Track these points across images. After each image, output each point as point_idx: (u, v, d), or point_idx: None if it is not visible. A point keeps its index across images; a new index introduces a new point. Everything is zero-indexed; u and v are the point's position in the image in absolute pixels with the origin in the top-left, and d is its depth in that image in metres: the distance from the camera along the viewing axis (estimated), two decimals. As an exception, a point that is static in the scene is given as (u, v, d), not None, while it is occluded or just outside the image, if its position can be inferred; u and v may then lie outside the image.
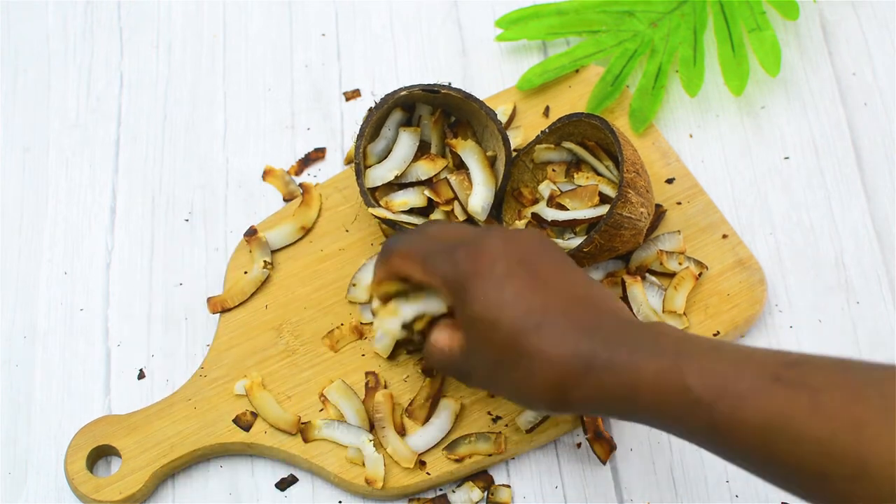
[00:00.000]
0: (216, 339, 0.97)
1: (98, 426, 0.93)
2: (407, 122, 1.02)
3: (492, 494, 0.93)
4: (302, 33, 1.14)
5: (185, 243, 1.04)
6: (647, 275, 0.98)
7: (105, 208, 1.06)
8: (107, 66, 1.12)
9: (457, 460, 0.92)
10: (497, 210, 0.99)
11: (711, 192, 1.05)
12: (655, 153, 1.05)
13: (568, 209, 0.97)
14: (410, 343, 0.93)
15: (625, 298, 0.96)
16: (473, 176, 0.99)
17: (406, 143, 1.00)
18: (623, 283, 0.96)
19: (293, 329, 0.98)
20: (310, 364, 0.96)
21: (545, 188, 0.99)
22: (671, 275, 0.98)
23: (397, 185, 1.00)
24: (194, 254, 1.03)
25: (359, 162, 0.98)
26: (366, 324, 0.97)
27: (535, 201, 1.00)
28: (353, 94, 1.11)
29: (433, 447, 0.93)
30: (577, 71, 1.09)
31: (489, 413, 0.94)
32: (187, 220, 1.05)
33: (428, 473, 0.92)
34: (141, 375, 0.98)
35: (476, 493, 0.93)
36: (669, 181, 1.04)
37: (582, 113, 0.97)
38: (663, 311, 0.97)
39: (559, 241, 0.96)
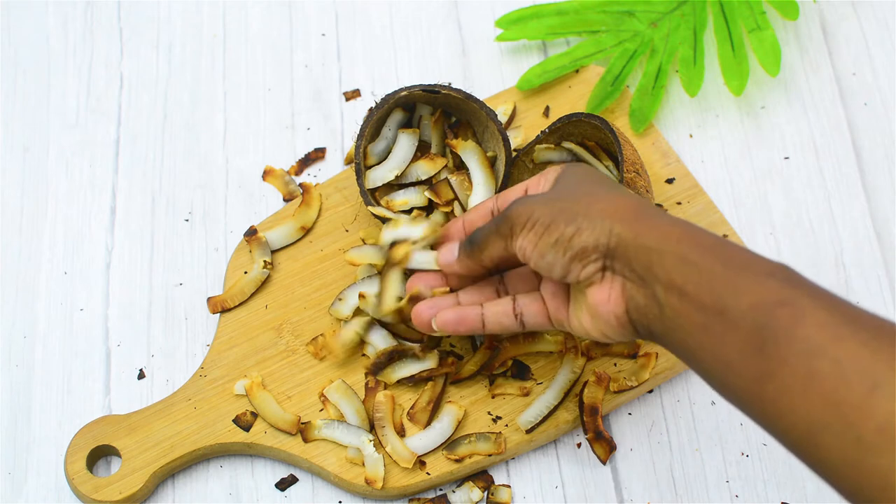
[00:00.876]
0: (216, 339, 0.97)
1: (98, 426, 0.93)
2: (407, 123, 1.02)
3: (492, 494, 0.93)
4: (302, 33, 1.14)
5: (185, 243, 1.04)
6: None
7: (105, 208, 1.06)
8: (107, 66, 1.12)
9: (457, 460, 0.92)
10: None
11: (711, 192, 1.05)
12: (655, 153, 1.05)
13: (568, 209, 0.97)
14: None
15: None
16: (473, 176, 0.99)
17: (405, 144, 1.00)
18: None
19: (293, 329, 0.98)
20: (310, 364, 0.96)
21: (545, 188, 0.99)
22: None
23: (397, 185, 1.00)
24: (194, 254, 1.03)
25: (359, 162, 0.98)
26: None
27: (535, 201, 1.00)
28: (353, 94, 1.11)
29: (433, 450, 0.93)
30: (577, 71, 1.09)
31: (489, 413, 0.94)
32: (187, 220, 1.05)
33: (428, 473, 0.92)
34: (141, 375, 0.98)
35: (476, 493, 0.93)
36: (669, 181, 1.04)
37: (582, 113, 0.97)
38: (663, 311, 0.97)
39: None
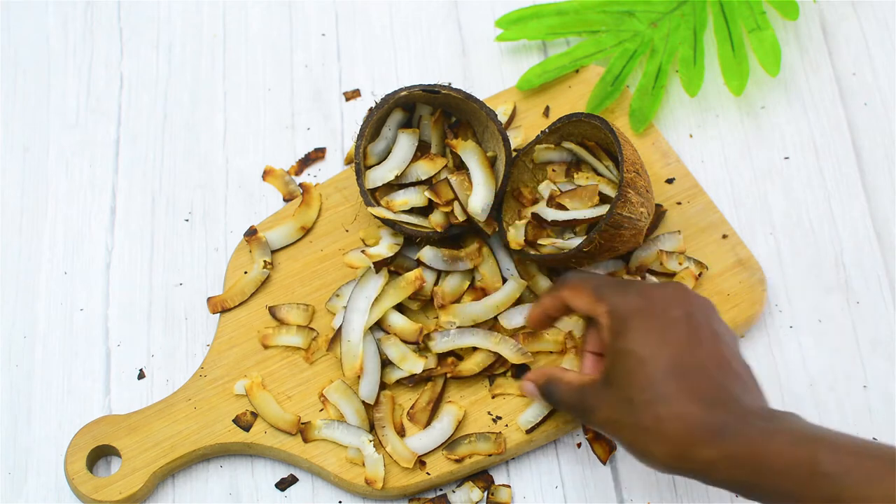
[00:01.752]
0: (216, 339, 0.97)
1: (98, 426, 0.93)
2: (407, 123, 1.02)
3: (492, 494, 0.93)
4: (302, 33, 1.14)
5: (185, 243, 1.04)
6: (646, 275, 0.98)
7: (105, 208, 1.06)
8: (107, 66, 1.12)
9: (457, 460, 0.92)
10: (497, 210, 0.99)
11: (711, 192, 1.05)
12: (655, 153, 1.05)
13: (568, 209, 0.97)
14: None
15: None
16: (473, 176, 0.99)
17: (405, 144, 1.00)
18: (623, 283, 0.97)
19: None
20: (310, 364, 0.96)
21: (545, 188, 0.99)
22: (671, 275, 0.98)
23: (397, 185, 1.00)
24: (194, 254, 1.03)
25: (359, 162, 0.98)
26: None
27: (535, 201, 1.00)
28: (353, 94, 1.11)
29: (433, 450, 0.93)
30: (577, 71, 1.09)
31: (489, 413, 0.94)
32: (187, 220, 1.05)
33: (428, 473, 0.92)
34: (141, 375, 0.98)
35: (476, 493, 0.93)
36: (669, 181, 1.04)
37: (582, 113, 0.97)
38: (663, 311, 0.97)
39: (559, 240, 0.96)
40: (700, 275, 0.98)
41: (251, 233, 1.01)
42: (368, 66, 1.13)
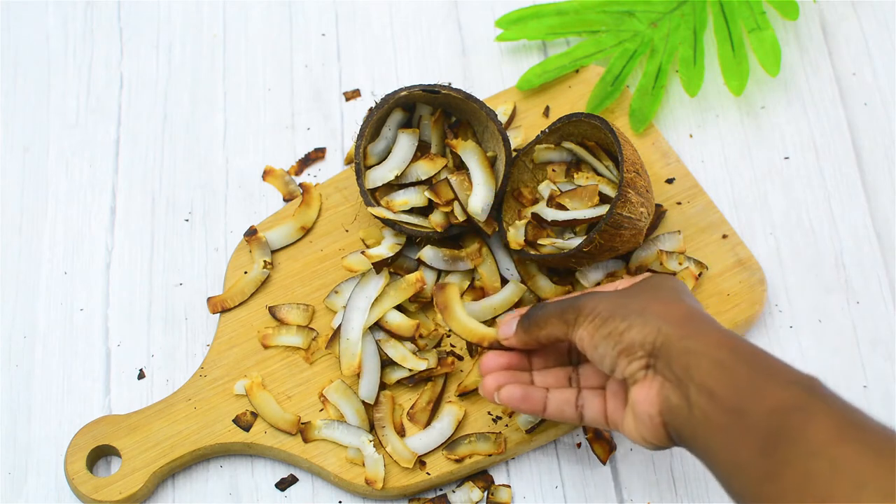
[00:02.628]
0: (216, 339, 0.97)
1: (98, 426, 0.93)
2: (407, 123, 1.02)
3: (492, 494, 0.93)
4: (302, 33, 1.14)
5: (185, 243, 1.04)
6: (646, 275, 0.98)
7: (105, 208, 1.06)
8: (107, 66, 1.12)
9: (457, 460, 0.92)
10: (497, 210, 0.99)
11: (711, 192, 1.05)
12: (655, 153, 1.05)
13: (568, 209, 0.97)
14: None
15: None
16: (473, 176, 0.99)
17: (404, 144, 1.00)
18: (623, 283, 0.97)
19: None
20: (310, 364, 0.96)
21: (545, 188, 0.99)
22: (671, 275, 0.98)
23: (397, 185, 1.00)
24: (194, 254, 1.03)
25: (359, 162, 0.98)
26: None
27: (535, 201, 1.00)
28: (353, 94, 1.11)
29: (433, 450, 0.93)
30: (577, 71, 1.09)
31: (489, 413, 0.94)
32: (187, 220, 1.05)
33: (428, 473, 0.92)
34: (141, 375, 0.98)
35: (476, 493, 0.93)
36: (669, 181, 1.04)
37: (582, 113, 0.97)
38: (663, 311, 0.97)
39: (559, 240, 0.96)
40: (700, 275, 0.98)
41: (251, 233, 1.01)
42: (368, 66, 1.13)
